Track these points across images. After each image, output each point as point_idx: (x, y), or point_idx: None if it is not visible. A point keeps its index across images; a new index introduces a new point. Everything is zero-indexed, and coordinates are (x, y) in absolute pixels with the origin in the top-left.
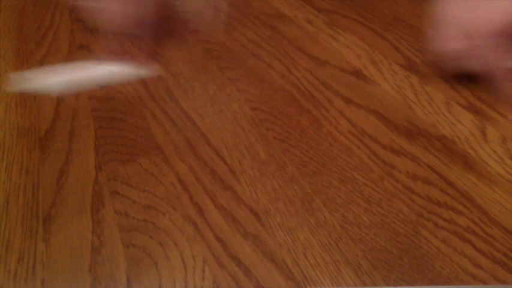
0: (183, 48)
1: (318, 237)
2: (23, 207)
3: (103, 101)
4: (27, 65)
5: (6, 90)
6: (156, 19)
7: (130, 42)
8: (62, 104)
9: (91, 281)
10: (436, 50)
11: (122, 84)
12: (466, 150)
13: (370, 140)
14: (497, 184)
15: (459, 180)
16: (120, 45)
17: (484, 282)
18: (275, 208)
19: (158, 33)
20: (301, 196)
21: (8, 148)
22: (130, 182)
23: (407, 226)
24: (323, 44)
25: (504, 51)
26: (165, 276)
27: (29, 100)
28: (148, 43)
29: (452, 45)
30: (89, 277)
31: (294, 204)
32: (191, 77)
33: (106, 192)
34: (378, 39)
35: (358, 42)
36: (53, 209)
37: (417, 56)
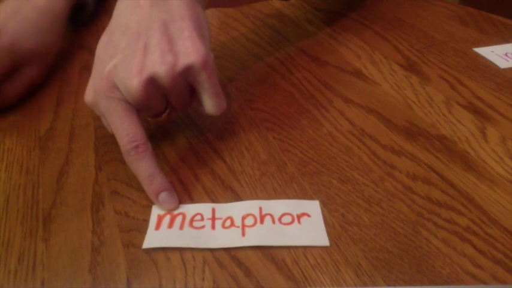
0: None
1: None
2: (23, 207)
3: None
4: None
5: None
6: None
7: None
8: (62, 104)
9: (91, 281)
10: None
11: None
12: (466, 150)
13: (370, 140)
14: (497, 184)
15: (459, 180)
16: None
17: (484, 282)
18: None
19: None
20: (301, 196)
21: (8, 148)
22: (130, 182)
23: (407, 226)
24: (323, 44)
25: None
26: (165, 276)
27: (29, 100)
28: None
29: (86, 98)
30: (89, 277)
31: None
32: None
33: (106, 192)
34: (378, 39)
35: (358, 42)
36: (53, 209)
37: (417, 56)
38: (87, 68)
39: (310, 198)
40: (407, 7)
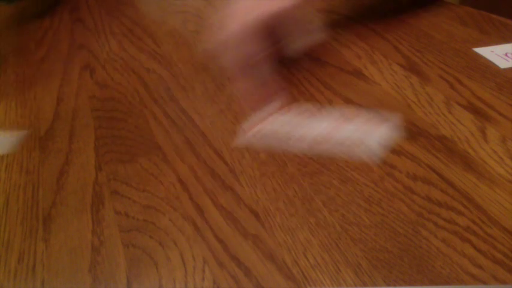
0: (183, 48)
1: (318, 237)
2: (23, 207)
3: (103, 101)
4: (27, 65)
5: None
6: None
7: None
8: (62, 104)
9: (91, 281)
10: (219, 38)
11: (122, 84)
12: (466, 150)
13: None
14: (497, 184)
15: (459, 180)
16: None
17: (484, 282)
18: (275, 208)
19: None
20: (301, 196)
21: None
22: (130, 182)
23: (407, 226)
24: (323, 44)
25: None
26: (165, 276)
27: (29, 100)
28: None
29: (226, 33)
30: (89, 277)
31: (294, 204)
32: (191, 77)
33: (106, 192)
34: (378, 39)
35: (358, 42)
36: (53, 209)
37: (417, 56)
38: (87, 68)
39: (310, 198)
40: (408, 7)
